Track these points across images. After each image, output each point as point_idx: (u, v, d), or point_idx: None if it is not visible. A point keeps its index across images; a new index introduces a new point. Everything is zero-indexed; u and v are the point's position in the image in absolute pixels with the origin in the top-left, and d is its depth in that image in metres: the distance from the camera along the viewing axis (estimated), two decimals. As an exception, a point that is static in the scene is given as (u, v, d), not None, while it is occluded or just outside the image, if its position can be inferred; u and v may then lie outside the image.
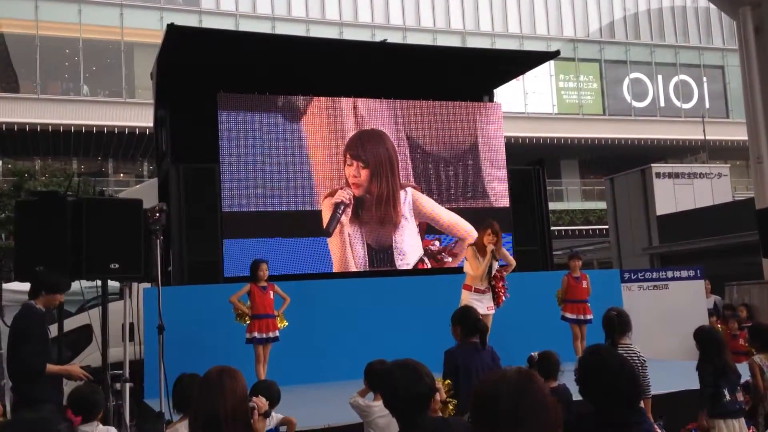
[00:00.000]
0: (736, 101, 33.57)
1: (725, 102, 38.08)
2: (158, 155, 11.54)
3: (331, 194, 10.12)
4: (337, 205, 10.03)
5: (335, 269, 9.92)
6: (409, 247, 10.34)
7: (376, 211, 10.26)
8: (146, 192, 10.32)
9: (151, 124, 13.60)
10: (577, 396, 2.95)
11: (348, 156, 10.29)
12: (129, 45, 29.36)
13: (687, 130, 35.82)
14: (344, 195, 10.09)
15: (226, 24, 28.63)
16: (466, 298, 7.10)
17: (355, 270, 9.97)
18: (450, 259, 10.49)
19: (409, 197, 10.51)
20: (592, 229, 32.39)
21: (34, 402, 4.85)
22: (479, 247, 7.28)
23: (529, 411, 1.81)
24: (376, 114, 10.55)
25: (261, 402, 3.11)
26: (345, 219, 10.06)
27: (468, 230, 10.55)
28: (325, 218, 10.02)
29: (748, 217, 14.84)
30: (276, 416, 4.67)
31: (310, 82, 10.47)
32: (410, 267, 10.30)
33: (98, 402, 3.99)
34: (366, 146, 10.42)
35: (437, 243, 10.49)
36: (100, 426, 3.93)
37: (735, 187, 27.07)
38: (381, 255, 10.18)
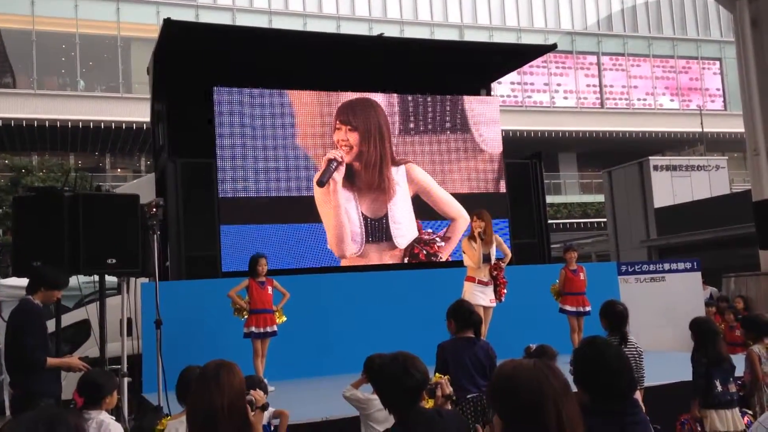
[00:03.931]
0: (734, 93, 33.57)
1: (723, 94, 38.08)
2: (155, 150, 11.54)
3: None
4: (330, 161, 10.08)
5: (330, 242, 9.93)
6: (403, 217, 10.38)
7: (365, 175, 10.29)
8: (143, 187, 10.33)
9: (148, 119, 13.60)
10: (573, 388, 2.96)
11: (337, 121, 10.34)
12: (126, 40, 29.30)
13: (685, 123, 35.83)
14: (336, 153, 10.16)
15: (222, 18, 28.56)
16: (469, 289, 7.12)
17: (351, 242, 10.02)
18: (443, 244, 10.51)
19: (402, 167, 10.57)
20: (590, 222, 32.43)
21: (33, 396, 4.87)
22: (471, 236, 7.34)
23: (551, 399, 1.84)
24: (372, 106, 10.56)
25: (258, 395, 3.13)
26: (338, 178, 10.07)
27: (459, 211, 10.59)
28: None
29: (745, 209, 14.88)
30: (269, 410, 4.68)
31: (307, 76, 10.47)
32: (404, 239, 10.32)
33: (101, 386, 3.97)
34: (356, 112, 10.47)
35: (430, 230, 10.52)
36: (102, 414, 3.92)
37: (733, 179, 27.08)
38: (376, 224, 10.20)
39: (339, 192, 10.06)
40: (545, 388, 1.86)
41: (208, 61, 9.96)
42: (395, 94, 10.68)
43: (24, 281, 5.53)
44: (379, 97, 10.60)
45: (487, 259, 7.24)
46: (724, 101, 38.01)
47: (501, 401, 1.95)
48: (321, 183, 10.02)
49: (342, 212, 10.04)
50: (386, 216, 10.27)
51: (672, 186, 19.44)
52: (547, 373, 1.91)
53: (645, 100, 36.85)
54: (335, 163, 10.08)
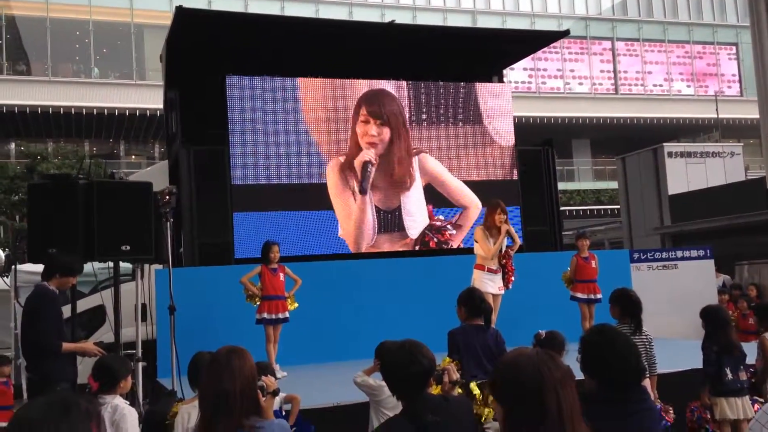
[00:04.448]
0: (750, 79, 33.18)
1: (739, 79, 37.65)
2: (168, 137, 11.60)
3: (346, 157, 10.13)
4: (365, 164, 10.04)
5: (346, 237, 9.96)
6: (416, 209, 10.38)
7: (397, 170, 10.24)
8: (157, 174, 10.39)
9: (161, 106, 13.65)
10: (579, 375, 2.99)
11: (364, 113, 10.20)
12: (139, 27, 29.36)
13: (700, 109, 35.48)
14: (368, 154, 10.07)
15: (235, 5, 28.52)
16: (479, 277, 7.11)
17: (365, 235, 10.03)
18: (454, 231, 10.52)
19: (416, 158, 10.55)
20: (604, 209, 32.26)
21: (49, 380, 4.94)
22: (489, 227, 7.25)
23: (551, 387, 1.87)
24: (393, 98, 10.56)
25: (270, 381, 3.16)
26: (354, 181, 10.06)
27: (472, 199, 10.58)
28: (338, 182, 10.06)
29: (760, 196, 14.78)
30: (280, 395, 4.72)
31: (319, 63, 10.46)
32: (416, 231, 10.32)
33: (116, 371, 4.03)
34: (383, 103, 10.38)
35: (441, 218, 10.52)
36: (117, 399, 3.98)
37: (748, 165, 26.82)
38: (389, 216, 10.21)
39: (355, 191, 10.06)
40: (546, 376, 1.89)
41: (220, 48, 9.98)
42: (407, 82, 10.66)
43: (40, 267, 5.61)
44: (391, 85, 10.58)
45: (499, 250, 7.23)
46: (741, 87, 37.59)
47: (503, 389, 1.99)
48: (363, 190, 9.98)
49: (359, 207, 10.04)
50: (399, 208, 10.28)
51: (686, 173, 19.30)
52: (548, 362, 1.94)
53: (660, 86, 36.51)
54: (370, 165, 10.06)
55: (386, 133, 10.26)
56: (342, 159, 10.14)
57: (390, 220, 10.20)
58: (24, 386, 5.84)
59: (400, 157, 10.35)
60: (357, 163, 10.07)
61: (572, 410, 1.89)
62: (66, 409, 1.66)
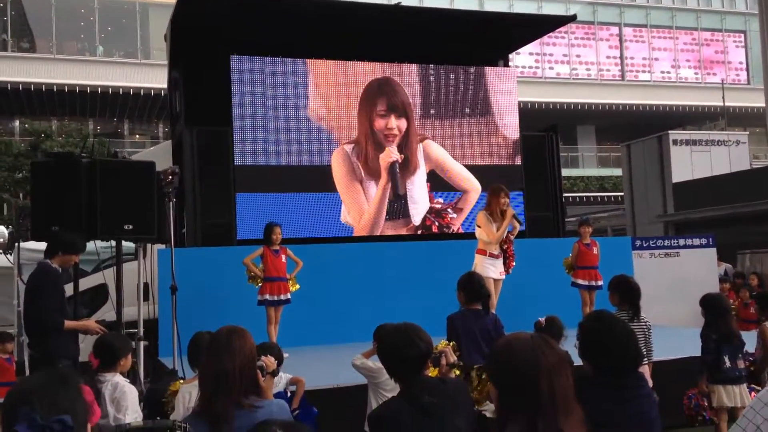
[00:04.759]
0: (758, 67, 32.95)
1: (746, 68, 37.39)
2: (172, 117, 11.59)
3: (354, 146, 10.08)
4: (392, 166, 10.03)
5: (355, 224, 9.97)
6: (420, 196, 10.38)
7: (412, 160, 10.25)
8: (160, 154, 10.40)
9: (166, 86, 13.63)
10: (577, 361, 3.00)
11: (383, 108, 10.19)
12: (144, 5, 29.20)
13: (707, 97, 35.27)
14: (392, 153, 10.05)
15: (241, -15, 28.29)
16: (481, 262, 7.10)
17: (377, 224, 10.05)
18: (455, 215, 10.52)
19: (420, 144, 10.54)
20: (607, 196, 32.17)
21: (50, 357, 4.98)
22: (492, 211, 7.20)
23: (545, 371, 1.88)
24: (393, 82, 10.51)
25: (269, 361, 3.18)
26: (362, 171, 10.05)
27: (473, 183, 10.57)
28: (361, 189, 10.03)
29: (765, 185, 14.73)
30: (285, 376, 4.76)
31: (324, 45, 10.42)
32: (420, 217, 10.33)
33: (117, 349, 4.05)
34: (396, 93, 10.36)
35: (441, 200, 10.51)
36: (117, 377, 4.01)
37: (754, 154, 26.68)
38: (395, 204, 10.22)
39: (363, 181, 10.05)
40: (540, 361, 1.90)
41: (224, 28, 9.94)
42: (413, 65, 10.61)
43: (43, 245, 5.63)
44: (397, 69, 10.53)
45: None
46: (748, 75, 37.34)
47: (498, 372, 2.00)
48: (399, 195, 10.00)
49: (377, 201, 10.05)
50: (405, 196, 10.28)
51: (691, 161, 19.21)
52: (543, 347, 1.94)
53: (667, 72, 36.27)
54: (397, 165, 10.05)
55: (403, 124, 10.28)
56: (349, 148, 10.11)
57: (396, 209, 10.22)
58: (26, 363, 5.87)
59: (413, 146, 10.35)
60: (383, 163, 10.04)
61: (566, 395, 1.90)
62: (63, 380, 1.68)
